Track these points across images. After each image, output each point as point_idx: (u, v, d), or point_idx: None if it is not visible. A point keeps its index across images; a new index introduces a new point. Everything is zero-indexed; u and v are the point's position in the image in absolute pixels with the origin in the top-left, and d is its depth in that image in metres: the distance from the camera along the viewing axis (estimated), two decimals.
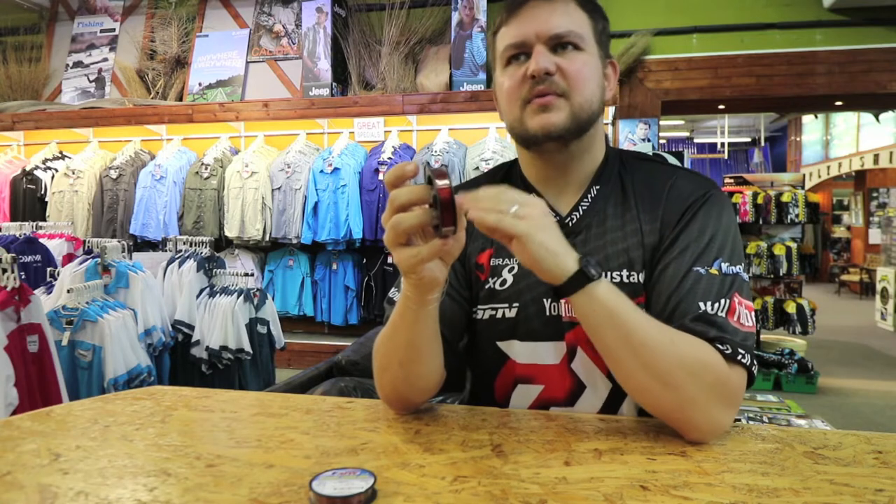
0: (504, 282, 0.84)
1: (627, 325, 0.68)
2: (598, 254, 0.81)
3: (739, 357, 0.70)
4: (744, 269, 0.77)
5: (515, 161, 0.94)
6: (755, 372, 0.73)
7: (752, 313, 0.76)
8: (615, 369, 0.72)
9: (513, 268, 0.84)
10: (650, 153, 3.40)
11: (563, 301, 0.81)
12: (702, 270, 0.75)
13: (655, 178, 0.85)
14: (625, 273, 0.80)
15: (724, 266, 0.75)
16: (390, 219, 0.62)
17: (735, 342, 0.71)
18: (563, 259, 0.67)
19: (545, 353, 0.82)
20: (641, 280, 0.80)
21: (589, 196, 0.85)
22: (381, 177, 3.90)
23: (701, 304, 0.72)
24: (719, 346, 0.70)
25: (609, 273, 0.80)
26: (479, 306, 0.86)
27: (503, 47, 0.83)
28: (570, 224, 0.84)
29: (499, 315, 0.84)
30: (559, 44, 0.79)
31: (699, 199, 0.80)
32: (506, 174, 0.94)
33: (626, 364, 0.69)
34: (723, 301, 0.73)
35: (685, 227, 0.78)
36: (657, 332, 0.69)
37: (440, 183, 0.58)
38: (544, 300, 0.82)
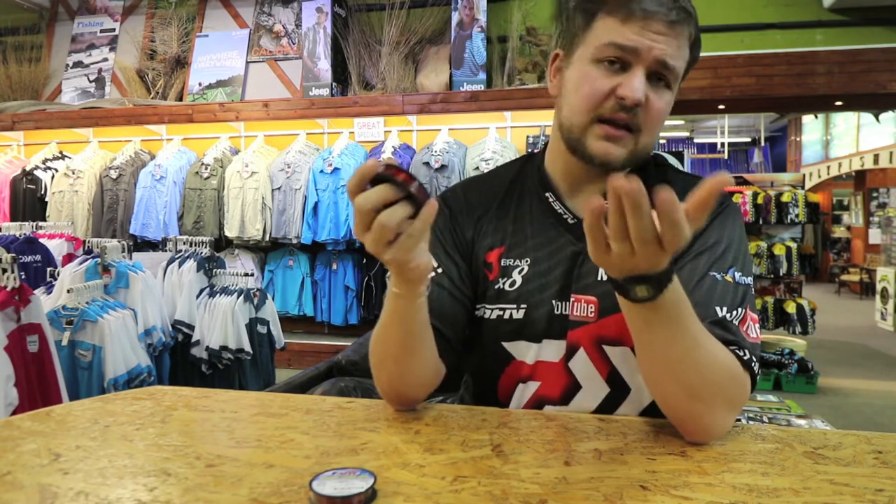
0: (513, 283, 0.84)
1: (692, 331, 0.64)
2: None
3: (753, 364, 0.71)
4: (752, 281, 0.78)
5: (534, 154, 0.93)
6: (757, 380, 0.73)
7: (757, 325, 0.76)
8: (649, 367, 0.68)
9: (522, 269, 0.84)
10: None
11: (571, 300, 0.81)
12: (718, 276, 0.75)
13: (674, 185, 0.84)
14: None
15: (738, 276, 0.76)
16: (369, 225, 0.59)
17: (750, 349, 0.72)
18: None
19: (546, 350, 0.82)
20: None
21: None
22: None
23: (718, 310, 0.73)
24: (738, 351, 0.70)
25: None
26: (487, 305, 0.85)
27: (607, 41, 0.75)
28: None
29: (506, 316, 0.84)
30: (657, 74, 0.75)
31: (716, 207, 0.81)
32: (522, 165, 0.93)
33: (663, 371, 0.66)
34: (739, 310, 0.73)
35: (701, 234, 0.78)
36: (710, 345, 0.66)
37: (400, 177, 0.59)
38: (553, 301, 0.82)
